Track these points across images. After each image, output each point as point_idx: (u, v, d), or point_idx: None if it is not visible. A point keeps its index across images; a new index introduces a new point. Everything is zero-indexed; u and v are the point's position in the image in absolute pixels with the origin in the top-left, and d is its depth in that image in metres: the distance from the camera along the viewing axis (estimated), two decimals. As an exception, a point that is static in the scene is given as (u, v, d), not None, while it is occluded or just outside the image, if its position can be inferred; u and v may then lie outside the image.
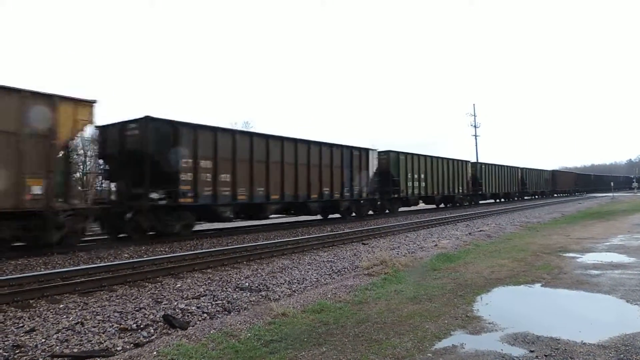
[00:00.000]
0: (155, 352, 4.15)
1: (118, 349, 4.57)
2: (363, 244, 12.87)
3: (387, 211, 25.60)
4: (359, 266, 8.95)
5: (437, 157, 29.99)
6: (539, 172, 55.67)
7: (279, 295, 6.82)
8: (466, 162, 35.13)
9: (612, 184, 68.70)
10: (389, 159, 24.96)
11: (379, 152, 24.38)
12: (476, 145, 51.38)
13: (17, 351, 4.41)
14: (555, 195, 62.55)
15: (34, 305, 6.26)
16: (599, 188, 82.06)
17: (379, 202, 24.55)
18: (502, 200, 44.87)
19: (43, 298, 6.57)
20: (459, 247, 11.35)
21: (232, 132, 15.84)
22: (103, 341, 4.76)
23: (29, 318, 5.59)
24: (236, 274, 8.46)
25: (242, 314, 5.56)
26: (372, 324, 4.92)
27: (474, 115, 50.52)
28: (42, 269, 8.82)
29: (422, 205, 31.52)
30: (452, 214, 24.67)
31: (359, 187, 21.85)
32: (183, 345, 4.30)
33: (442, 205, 32.58)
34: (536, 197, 54.36)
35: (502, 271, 7.85)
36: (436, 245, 11.95)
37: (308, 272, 8.63)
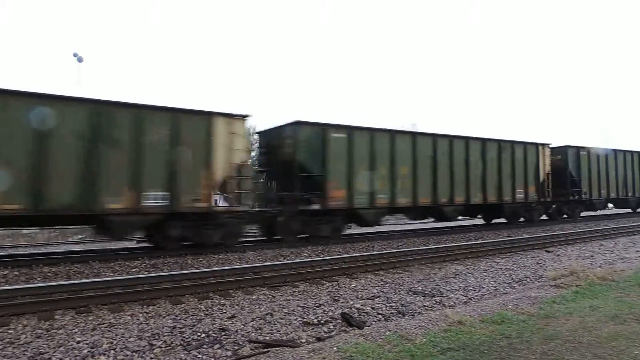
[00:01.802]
0: (335, 348, 4.39)
1: (302, 341, 4.97)
2: (547, 251, 11.65)
3: None
4: (544, 276, 8.14)
5: None
6: None
7: (454, 302, 6.60)
8: None
9: None
10: None
11: None
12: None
13: (222, 334, 5.13)
14: None
15: (233, 294, 7.20)
16: None
17: None
18: None
19: (240, 289, 7.51)
20: (674, 259, 9.45)
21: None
22: (289, 332, 5.23)
23: (229, 305, 6.46)
24: (408, 277, 8.46)
25: (416, 319, 5.53)
26: (563, 342, 4.41)
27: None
28: (238, 264, 10.09)
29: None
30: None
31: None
32: (361, 344, 4.46)
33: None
34: None
35: None
36: (642, 256, 10.17)
37: (484, 279, 8.17)
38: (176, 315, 5.92)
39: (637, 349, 4.16)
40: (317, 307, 6.25)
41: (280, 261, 10.16)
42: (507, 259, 10.47)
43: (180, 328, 5.32)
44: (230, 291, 7.37)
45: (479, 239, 14.29)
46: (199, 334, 5.12)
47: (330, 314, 5.90)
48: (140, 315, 5.97)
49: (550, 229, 17.83)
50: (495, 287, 7.62)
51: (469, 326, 4.97)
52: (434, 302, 6.57)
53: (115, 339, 4.91)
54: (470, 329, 4.87)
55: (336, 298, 6.78)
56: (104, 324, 5.55)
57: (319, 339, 4.99)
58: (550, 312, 5.54)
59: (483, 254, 11.12)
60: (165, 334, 5.12)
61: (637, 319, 5.12)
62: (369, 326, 5.41)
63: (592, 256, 10.53)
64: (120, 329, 5.33)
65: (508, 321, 5.16)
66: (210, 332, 5.16)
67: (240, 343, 4.86)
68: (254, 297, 7.02)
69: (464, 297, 6.91)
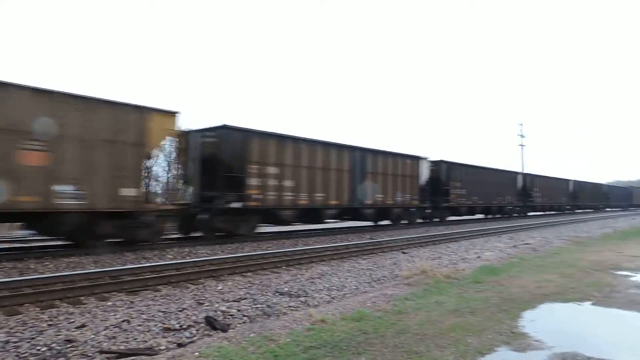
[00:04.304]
0: (197, 353, 4.24)
1: (162, 348, 4.70)
2: (403, 252, 12.71)
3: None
4: (399, 275, 8.84)
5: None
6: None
7: (318, 302, 6.83)
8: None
9: None
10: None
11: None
12: (522, 159, 50.21)
13: (68, 346, 4.61)
14: (609, 209, 60.42)
15: (85, 302, 6.53)
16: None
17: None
18: (552, 212, 43.79)
19: (93, 295, 6.85)
20: (503, 259, 10.99)
21: None
22: (147, 340, 4.91)
23: (79, 314, 5.84)
24: (276, 278, 8.54)
25: (282, 319, 5.60)
26: (412, 335, 4.83)
27: (522, 136, 48.49)
28: (92, 267, 9.21)
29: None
30: (495, 226, 24.02)
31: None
32: (224, 347, 4.37)
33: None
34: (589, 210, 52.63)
35: (549, 287, 7.53)
36: (479, 257, 11.64)
37: (347, 279, 8.60)
38: (11, 328, 5.17)
39: (471, 337, 4.73)
40: (179, 311, 5.97)
41: (142, 264, 9.52)
42: (369, 260, 11.18)
43: (15, 342, 4.66)
44: (82, 298, 6.69)
45: (344, 241, 15.04)
46: (39, 347, 4.54)
47: (193, 318, 5.68)
48: (-37, 329, 5.09)
49: (412, 232, 19.54)
50: (356, 286, 8.06)
51: (331, 324, 5.19)
52: (300, 302, 6.72)
53: None
54: (332, 327, 5.08)
55: (201, 301, 6.55)
56: None
57: (180, 345, 4.77)
58: (402, 308, 6.03)
59: (347, 256, 11.72)
60: (-5, 349, 4.44)
61: (472, 312, 5.83)
62: (233, 329, 5.33)
63: (439, 257, 11.75)
64: None
65: (366, 318, 5.49)
66: (53, 345, 4.61)
67: (90, 354, 4.43)
68: (109, 303, 6.46)
69: (328, 297, 7.19)
